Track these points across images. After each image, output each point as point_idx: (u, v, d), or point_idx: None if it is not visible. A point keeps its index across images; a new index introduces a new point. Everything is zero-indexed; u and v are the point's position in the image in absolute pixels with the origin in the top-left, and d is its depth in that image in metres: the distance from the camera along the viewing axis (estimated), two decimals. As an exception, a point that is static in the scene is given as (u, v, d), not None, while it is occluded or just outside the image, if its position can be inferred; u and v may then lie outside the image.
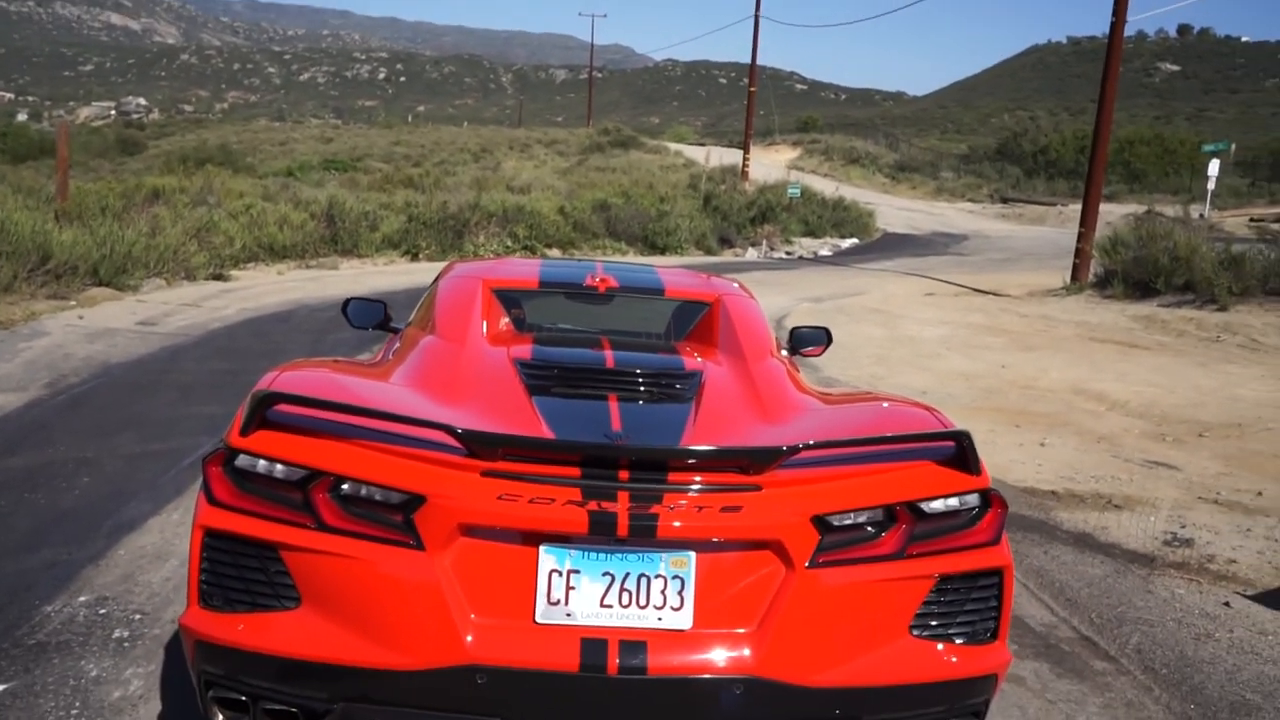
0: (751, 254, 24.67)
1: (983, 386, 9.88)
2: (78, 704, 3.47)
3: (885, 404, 3.27)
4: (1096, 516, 6.05)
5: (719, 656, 2.46)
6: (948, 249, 26.46)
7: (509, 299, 4.04)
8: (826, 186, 32.71)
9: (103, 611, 4.15)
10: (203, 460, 2.71)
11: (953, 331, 13.29)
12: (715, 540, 2.48)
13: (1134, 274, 15.64)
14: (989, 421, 8.43)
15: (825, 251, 25.64)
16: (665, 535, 2.43)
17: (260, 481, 2.62)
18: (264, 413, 2.63)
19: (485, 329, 3.70)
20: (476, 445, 2.48)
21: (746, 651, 2.47)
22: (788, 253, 25.20)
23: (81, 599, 4.25)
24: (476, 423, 2.73)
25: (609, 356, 3.38)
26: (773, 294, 16.62)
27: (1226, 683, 4.00)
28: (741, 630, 2.50)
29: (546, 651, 2.43)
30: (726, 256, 24.38)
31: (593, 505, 2.42)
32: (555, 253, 21.70)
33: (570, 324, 4.06)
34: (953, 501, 2.67)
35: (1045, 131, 49.30)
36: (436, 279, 4.33)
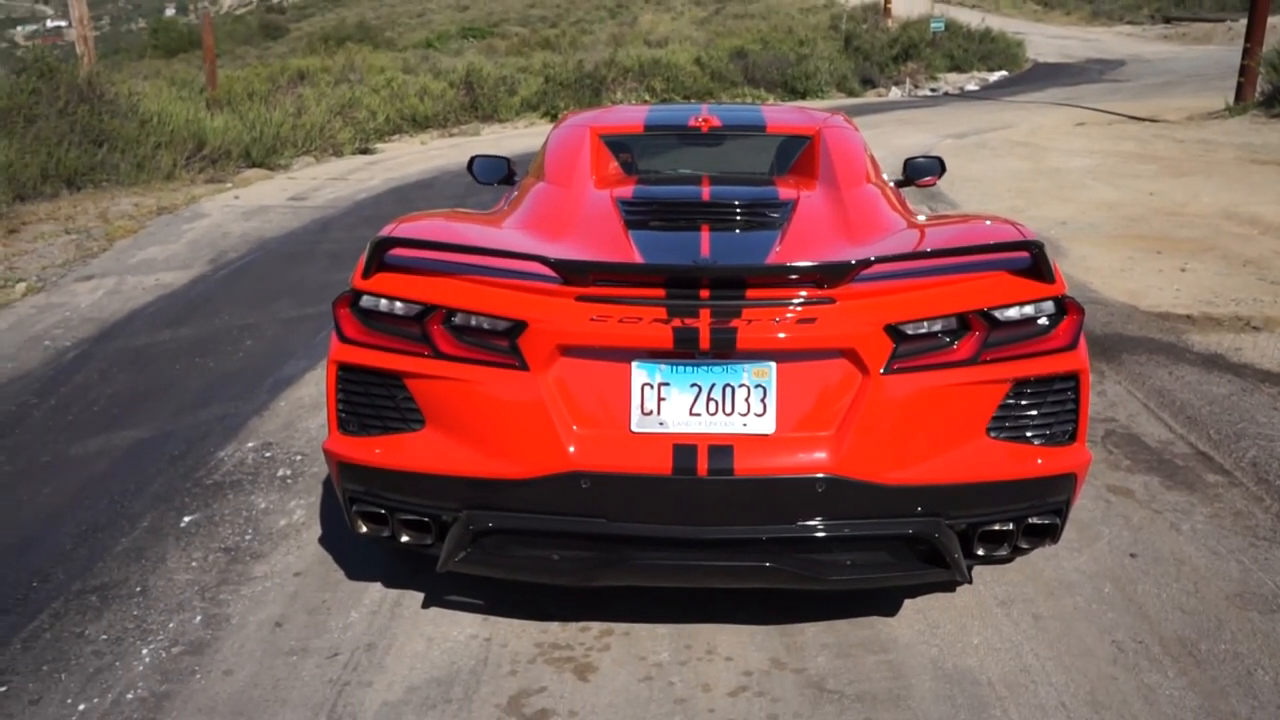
0: (895, 93, 23.95)
1: (1126, 215, 9.57)
2: (250, 531, 3.91)
3: (971, 222, 3.33)
4: (1231, 338, 5.94)
5: (801, 457, 2.66)
6: (1103, 76, 25.08)
7: (616, 144, 4.21)
8: (974, 18, 31.20)
9: (268, 455, 4.59)
10: (333, 303, 3.01)
11: (1100, 161, 12.79)
12: (793, 350, 2.65)
13: (1305, 89, 14.65)
14: (1129, 249, 8.23)
15: (972, 86, 24.67)
16: (745, 347, 2.62)
17: (382, 319, 2.91)
18: (382, 256, 2.89)
19: (594, 173, 3.88)
20: (569, 273, 2.69)
21: (826, 453, 2.66)
22: (932, 90, 24.35)
23: (249, 445, 4.71)
24: (574, 255, 2.94)
25: (705, 191, 3.52)
26: (914, 132, 16.23)
27: (1341, 490, 4.00)
28: (822, 433, 2.68)
29: (642, 457, 2.66)
30: (869, 97, 23.72)
31: (676, 322, 2.61)
32: (708, 103, 21.52)
33: (676, 164, 4.21)
34: (1027, 309, 2.76)
35: (1216, -60, 45.44)
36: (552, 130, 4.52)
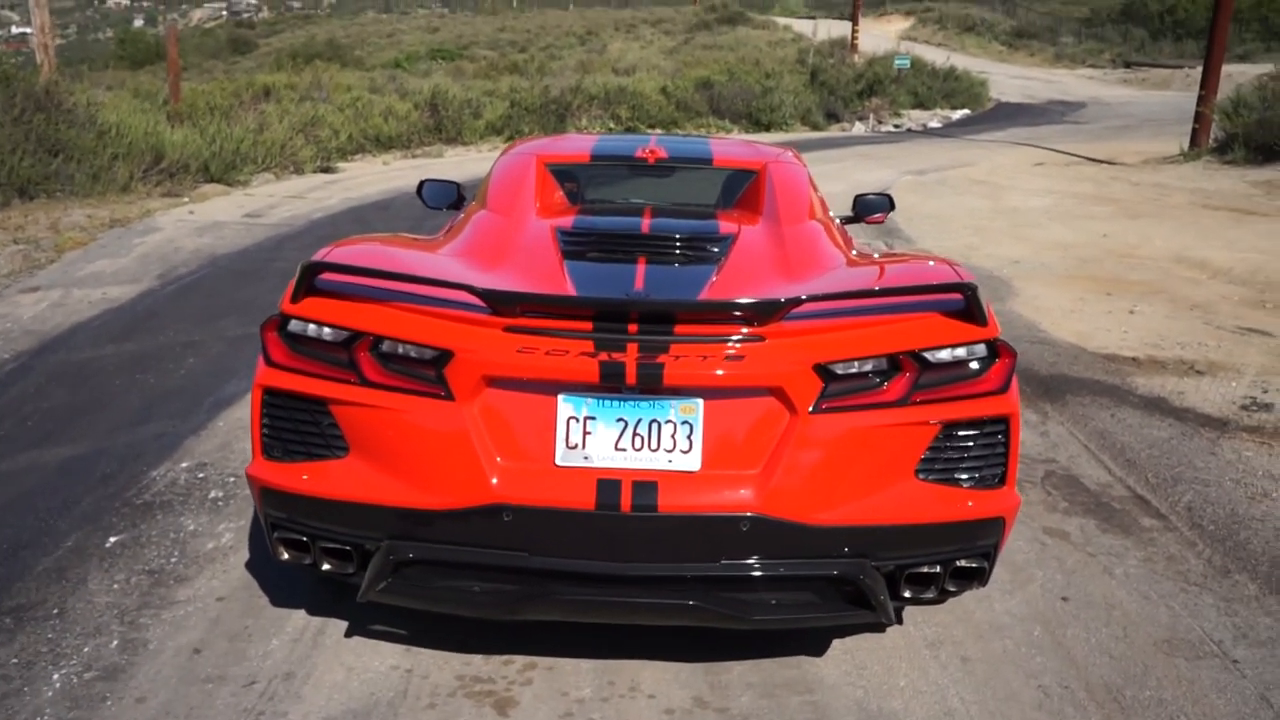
0: (859, 128, 24.16)
1: (1079, 256, 9.68)
2: (176, 553, 3.84)
3: (910, 262, 3.33)
4: (1175, 382, 6.00)
5: (725, 495, 2.64)
6: (1064, 118, 25.45)
7: (562, 173, 4.20)
8: (939, 57, 31.60)
9: (201, 475, 4.51)
10: (260, 326, 2.96)
11: (1057, 201, 12.95)
12: (721, 388, 2.64)
13: (1257, 137, 14.88)
14: (1080, 290, 8.32)
15: (935, 123, 24.93)
16: (672, 383, 2.60)
17: (310, 343, 2.87)
18: (310, 281, 2.86)
19: (538, 201, 3.86)
20: (497, 303, 2.67)
21: (752, 492, 2.64)
22: (896, 126, 24.59)
23: (183, 465, 4.63)
24: (507, 284, 2.92)
25: (646, 223, 3.51)
26: (876, 168, 16.38)
27: (1273, 539, 4.02)
28: (748, 472, 2.66)
29: (565, 491, 2.63)
30: (833, 131, 23.92)
31: (603, 356, 2.59)
32: (658, 132, 21.60)
33: (621, 195, 4.20)
34: (959, 351, 2.76)
35: (1176, -11, 46.33)
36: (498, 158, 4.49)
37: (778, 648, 3.19)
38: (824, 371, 2.66)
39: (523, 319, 2.67)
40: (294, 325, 2.89)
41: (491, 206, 3.80)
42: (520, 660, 3.14)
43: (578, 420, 2.66)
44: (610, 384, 2.61)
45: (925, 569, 2.80)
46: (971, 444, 2.79)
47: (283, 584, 3.59)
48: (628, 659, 3.13)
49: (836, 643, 3.25)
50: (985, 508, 2.79)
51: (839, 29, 36.28)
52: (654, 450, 2.65)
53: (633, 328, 2.63)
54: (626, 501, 2.61)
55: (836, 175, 15.26)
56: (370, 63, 35.69)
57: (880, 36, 40.16)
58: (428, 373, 2.73)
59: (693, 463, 2.65)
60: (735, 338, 2.64)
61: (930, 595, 2.86)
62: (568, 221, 3.52)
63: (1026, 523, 4.15)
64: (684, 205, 4.08)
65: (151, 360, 6.12)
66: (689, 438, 2.65)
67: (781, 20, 48.22)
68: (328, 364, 2.83)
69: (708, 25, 43.61)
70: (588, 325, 2.64)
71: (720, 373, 2.61)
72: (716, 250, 3.25)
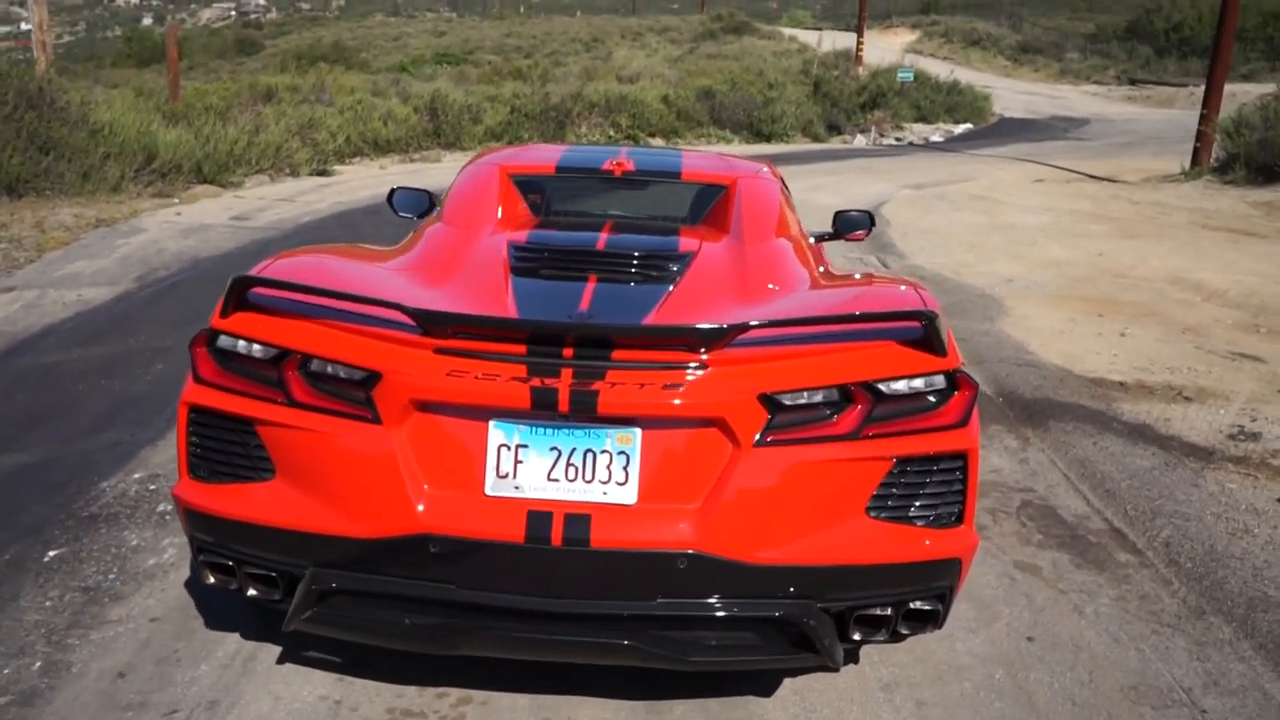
0: (860, 140, 24.04)
1: (1073, 275, 9.55)
2: (115, 569, 3.71)
3: (876, 285, 3.20)
4: (1161, 408, 5.86)
5: (662, 531, 2.50)
6: (1066, 134, 25.32)
7: (526, 185, 4.07)
8: (943, 70, 31.49)
9: (152, 488, 4.39)
10: (189, 342, 2.85)
11: (1055, 219, 12.81)
12: (659, 417, 2.51)
13: (1258, 158, 14.73)
14: (1071, 310, 8.18)
15: (936, 137, 24.82)
16: (606, 411, 2.47)
17: (239, 360, 2.75)
18: (239, 296, 2.74)
19: (498, 214, 3.74)
20: (428, 323, 2.54)
21: (690, 527, 2.51)
22: (897, 139, 24.47)
23: (135, 476, 4.50)
24: (449, 301, 2.79)
25: (602, 239, 3.38)
26: (875, 181, 16.25)
27: (1251, 579, 3.87)
28: (687, 506, 2.53)
29: (494, 522, 2.50)
30: (834, 143, 23.80)
31: (536, 382, 2.47)
32: (658, 142, 21.51)
33: (586, 208, 4.07)
34: (916, 383, 2.63)
35: (1181, 7, 45.94)
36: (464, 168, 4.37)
37: (724, 686, 3.05)
38: (770, 402, 2.53)
39: (454, 340, 2.54)
40: (223, 341, 2.77)
41: (446, 219, 3.67)
42: (455, 694, 3.01)
43: (509, 448, 2.54)
44: (542, 411, 2.48)
45: (876, 611, 2.66)
46: (927, 481, 2.66)
47: (220, 606, 3.46)
48: (567, 695, 3.00)
49: (787, 682, 3.11)
50: (940, 548, 2.66)
51: (844, 40, 36.26)
52: (588, 481, 2.52)
53: (568, 352, 2.50)
54: (558, 535, 2.48)
55: (834, 188, 15.15)
56: (375, 66, 35.65)
57: (885, 49, 40.04)
58: (356, 394, 2.60)
59: (629, 495, 2.52)
60: (676, 365, 2.51)
61: (881, 638, 2.72)
62: (522, 236, 3.39)
63: (998, 556, 4.02)
64: (647, 220, 3.95)
65: (119, 365, 6.00)
66: (625, 469, 2.52)
67: (788, 31, 48.19)
68: (256, 382, 2.71)
69: (713, 35, 43.53)
70: (521, 349, 2.52)
71: (659, 401, 2.48)
72: (674, 269, 3.12)
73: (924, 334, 2.62)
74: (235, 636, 3.29)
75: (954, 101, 27.63)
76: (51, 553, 3.81)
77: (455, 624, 2.60)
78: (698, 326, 2.58)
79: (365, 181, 14.69)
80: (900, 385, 2.62)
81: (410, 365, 2.54)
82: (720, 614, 2.55)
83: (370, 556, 2.58)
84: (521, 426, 2.53)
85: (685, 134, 22.26)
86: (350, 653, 3.14)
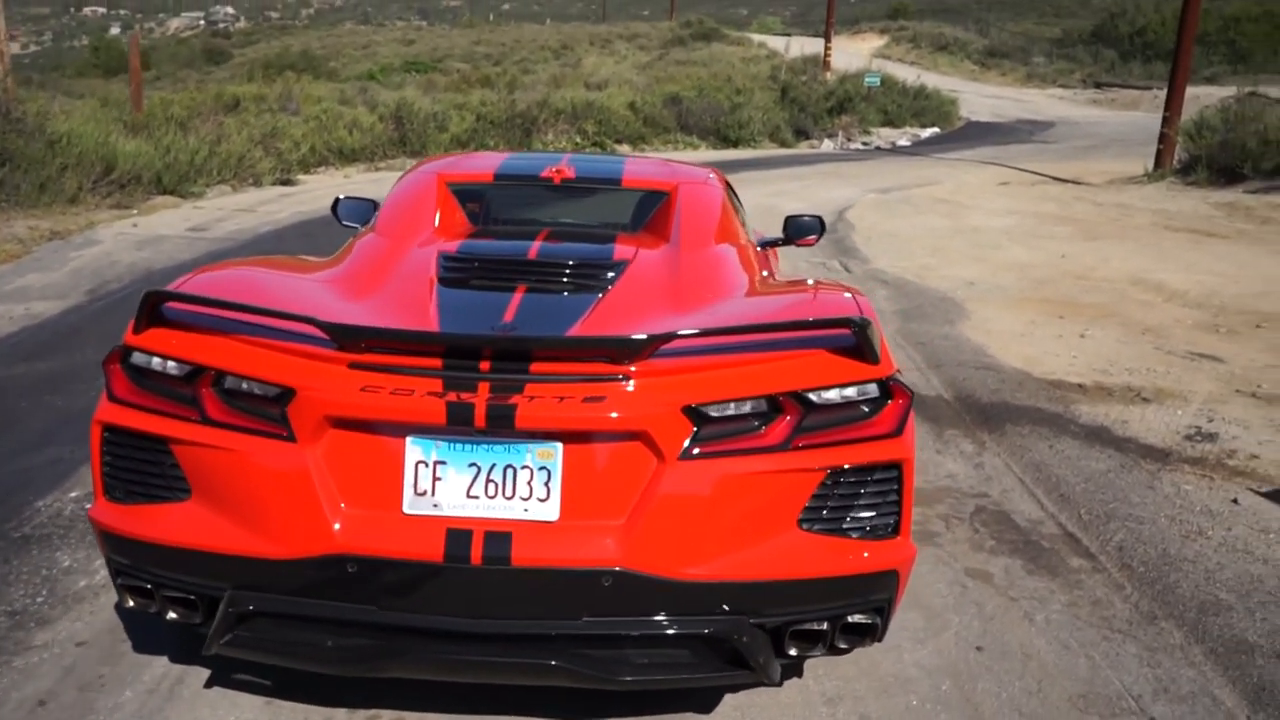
0: (828, 145, 24.09)
1: (1035, 277, 9.55)
2: (45, 592, 3.61)
3: (812, 292, 3.14)
4: (1119, 410, 5.83)
5: (586, 548, 2.43)
6: (1032, 137, 25.44)
7: (464, 193, 3.99)
8: (910, 75, 31.61)
9: (89, 506, 4.26)
10: (103, 359, 2.76)
11: (1019, 221, 12.83)
12: (580, 431, 2.43)
13: (1220, 159, 14.84)
14: (1032, 313, 8.17)
15: (904, 141, 24.88)
16: (525, 426, 2.39)
17: (154, 377, 2.67)
18: (151, 311, 2.66)
19: (430, 223, 3.66)
20: (341, 337, 2.46)
21: (615, 544, 2.43)
22: (864, 143, 24.52)
23: (72, 495, 4.39)
24: (371, 314, 2.72)
25: (534, 248, 3.31)
26: (840, 186, 16.25)
27: (1203, 582, 3.84)
28: (611, 522, 2.45)
29: (413, 541, 2.43)
30: (801, 148, 23.84)
31: (451, 396, 2.39)
32: (625, 148, 21.47)
33: (523, 217, 4.00)
34: (848, 391, 2.56)
35: (1145, 12, 46.28)
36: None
37: (663, 702, 2.98)
38: (695, 414, 2.46)
39: (368, 355, 2.46)
40: (136, 358, 2.68)
41: (379, 229, 3.59)
42: (387, 715, 2.92)
43: (427, 465, 2.46)
44: (459, 426, 2.40)
45: (812, 625, 2.59)
46: (861, 492, 2.59)
47: (148, 628, 3.35)
48: (502, 714, 2.92)
49: (729, 698, 3.03)
50: (876, 560, 2.59)
51: (813, 46, 36.29)
52: (508, 498, 2.45)
53: (485, 365, 2.43)
54: (477, 553, 2.40)
55: (799, 193, 15.14)
56: (344, 74, 35.49)
57: (854, 54, 40.15)
58: (271, 411, 2.52)
59: (550, 512, 2.44)
60: (596, 377, 2.43)
61: (819, 653, 2.65)
62: (453, 246, 3.32)
63: (949, 563, 3.96)
64: (585, 228, 3.88)
65: (62, 380, 5.88)
66: (546, 485, 2.45)
67: (757, 37, 48.26)
68: (170, 400, 2.63)
69: (682, 41, 43.52)
70: (436, 363, 2.44)
71: (579, 415, 2.40)
72: (606, 278, 3.04)
73: (855, 341, 2.56)
74: (164, 660, 3.20)
75: (921, 106, 27.74)
76: (-22, 576, 3.70)
77: (379, 646, 2.52)
78: (616, 337, 2.51)
79: (328, 191, 14.52)
80: (831, 394, 2.55)
81: (324, 381, 2.46)
82: (649, 632, 2.48)
83: (288, 578, 2.50)
84: (439, 442, 2.46)
85: (652, 140, 22.23)
86: (280, 675, 3.05)
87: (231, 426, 2.55)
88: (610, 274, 3.08)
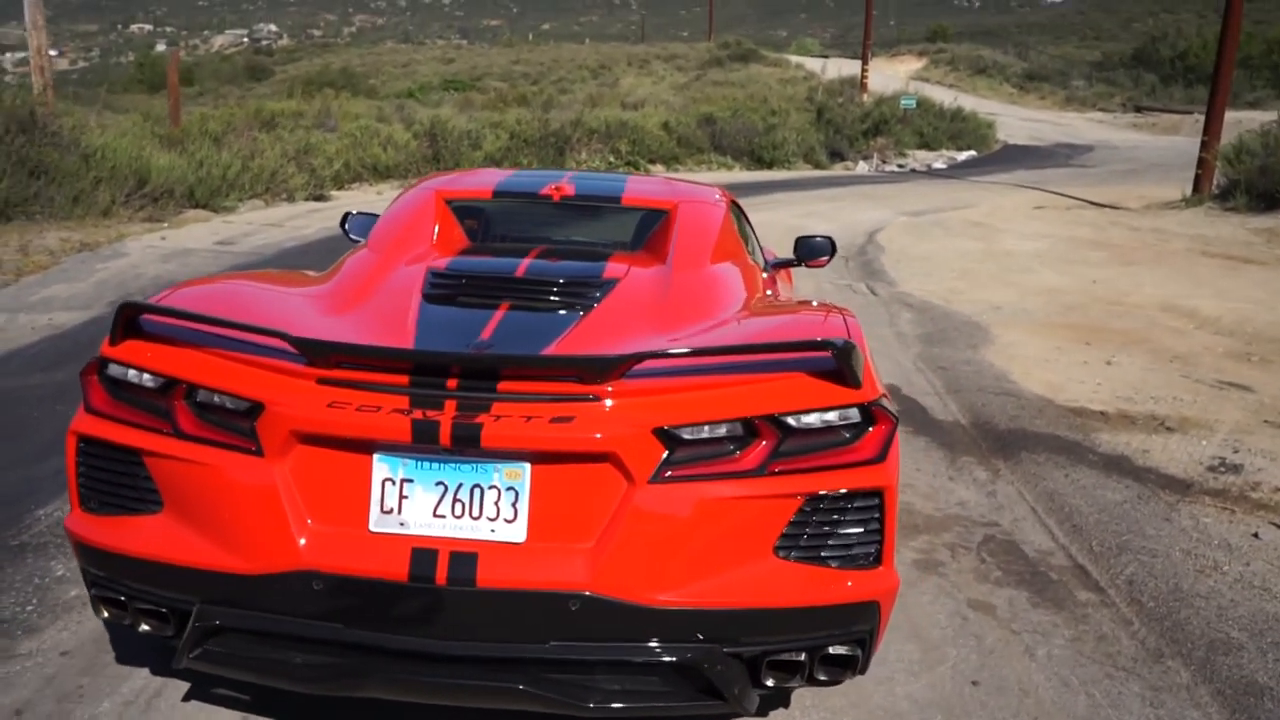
0: (862, 167, 23.99)
1: (1065, 302, 9.41)
2: (35, 601, 3.60)
3: (801, 313, 3.07)
4: (1141, 439, 5.70)
5: (553, 571, 2.37)
6: (1070, 161, 25.20)
7: (462, 210, 3.97)
8: (948, 97, 31.45)
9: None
10: (80, 370, 2.75)
11: (1052, 246, 12.68)
12: (549, 452, 2.38)
13: (1259, 184, 14.59)
14: (1059, 338, 8.04)
15: (939, 164, 24.73)
16: (491, 445, 2.34)
17: (130, 389, 2.66)
18: (127, 323, 2.64)
19: (423, 240, 3.63)
20: (311, 352, 2.43)
21: (583, 567, 2.37)
22: (900, 165, 24.40)
23: (72, 505, 4.38)
24: (350, 330, 2.69)
25: (523, 266, 3.27)
26: (873, 208, 16.16)
27: (1215, 619, 3.71)
28: (580, 545, 2.39)
29: (377, 560, 2.38)
30: (836, 170, 23.76)
31: (418, 414, 2.35)
32: (658, 169, 21.47)
33: (520, 234, 3.97)
34: (828, 416, 2.49)
35: (1186, 35, 45.77)
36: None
37: (643, 731, 2.91)
38: (666, 436, 2.40)
39: (337, 371, 2.43)
40: (113, 369, 2.67)
41: (371, 245, 3.58)
42: (362, 737, 2.88)
43: (394, 482, 2.41)
44: (424, 443, 2.35)
45: (790, 656, 2.52)
46: (840, 519, 2.51)
47: (132, 639, 3.32)
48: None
49: (710, 726, 2.96)
50: (856, 590, 2.51)
51: (851, 68, 36.18)
52: (475, 518, 2.39)
53: (452, 383, 2.39)
54: (442, 574, 2.35)
55: (830, 215, 15.06)
56: (383, 92, 35.83)
57: (891, 76, 40.06)
58: (240, 425, 2.49)
59: (517, 533, 2.39)
60: (564, 397, 2.38)
61: (796, 684, 2.57)
62: (443, 263, 3.29)
63: (951, 594, 3.86)
64: (580, 246, 3.83)
65: (77, 391, 5.86)
66: (514, 505, 2.39)
67: (795, 59, 48.20)
68: (145, 412, 2.61)
69: (720, 62, 43.58)
70: (404, 379, 2.40)
71: (547, 435, 2.34)
72: (593, 297, 3.00)
73: (835, 365, 2.48)
74: (144, 672, 3.17)
75: (957, 128, 27.57)
76: (-31, 585, 3.70)
77: (346, 664, 2.47)
78: (584, 357, 2.46)
79: (359, 206, 14.61)
80: (811, 419, 2.48)
81: (292, 396, 2.42)
82: (618, 658, 2.41)
83: (255, 593, 2.46)
84: (407, 460, 2.41)
85: (685, 160, 22.23)
86: (257, 691, 3.01)
87: (202, 440, 2.52)
88: (597, 293, 3.03)
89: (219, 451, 2.49)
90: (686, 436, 2.41)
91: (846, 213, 15.47)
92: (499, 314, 2.81)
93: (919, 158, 25.32)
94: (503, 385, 2.38)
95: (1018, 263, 11.52)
